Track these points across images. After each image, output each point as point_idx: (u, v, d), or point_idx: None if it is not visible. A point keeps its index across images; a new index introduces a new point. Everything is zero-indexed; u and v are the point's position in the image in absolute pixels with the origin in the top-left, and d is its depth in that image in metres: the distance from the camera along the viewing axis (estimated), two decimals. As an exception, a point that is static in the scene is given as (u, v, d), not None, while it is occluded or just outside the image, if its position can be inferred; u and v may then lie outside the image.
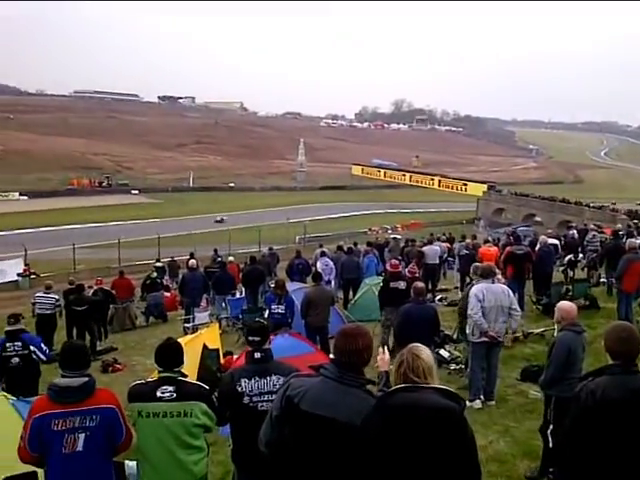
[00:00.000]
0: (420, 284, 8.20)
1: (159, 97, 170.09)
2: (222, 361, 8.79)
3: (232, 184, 77.90)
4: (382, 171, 79.33)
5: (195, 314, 13.41)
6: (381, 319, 10.00)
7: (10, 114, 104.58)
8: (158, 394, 3.62)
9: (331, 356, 3.01)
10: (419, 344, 2.83)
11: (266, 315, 9.75)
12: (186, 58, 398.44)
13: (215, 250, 22.06)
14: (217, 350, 8.66)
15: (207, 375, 7.27)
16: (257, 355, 3.87)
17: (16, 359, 8.11)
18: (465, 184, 62.93)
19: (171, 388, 3.64)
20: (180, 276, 17.00)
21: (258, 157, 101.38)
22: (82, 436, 3.49)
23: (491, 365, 7.12)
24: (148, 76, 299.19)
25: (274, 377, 3.77)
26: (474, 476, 2.61)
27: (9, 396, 6.35)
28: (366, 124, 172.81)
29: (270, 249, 21.48)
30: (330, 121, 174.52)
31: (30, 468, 3.95)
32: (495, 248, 15.35)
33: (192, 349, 7.64)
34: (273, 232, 35.76)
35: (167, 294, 17.21)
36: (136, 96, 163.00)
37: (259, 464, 3.17)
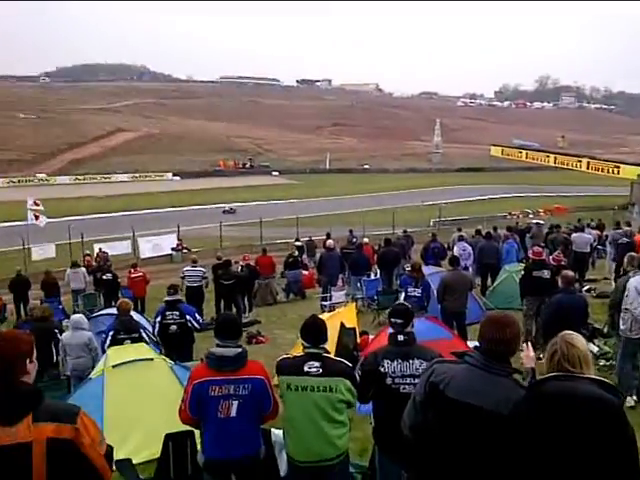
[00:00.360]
0: (570, 273, 7.76)
1: (297, 81, 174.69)
2: (358, 340, 9.00)
3: (367, 166, 78.20)
4: (524, 152, 74.76)
5: (332, 293, 13.80)
6: (522, 308, 9.63)
7: (165, 100, 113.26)
8: (305, 369, 3.78)
9: (475, 344, 2.99)
10: (572, 332, 2.71)
11: (402, 298, 9.79)
12: (322, 42, 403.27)
13: (350, 231, 22.40)
14: (354, 329, 8.86)
15: (344, 352, 7.46)
16: (400, 338, 3.93)
17: (174, 327, 8.88)
18: (617, 166, 57.36)
19: (317, 364, 3.79)
20: (318, 255, 17.56)
21: (393, 138, 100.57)
22: (235, 403, 3.73)
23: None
24: (287, 61, 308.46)
25: (416, 361, 3.81)
26: (632, 475, 2.43)
27: (168, 360, 7.04)
28: (507, 103, 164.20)
29: (404, 232, 21.35)
30: (468, 100, 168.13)
31: (187, 428, 4.31)
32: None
33: (331, 326, 7.89)
34: (407, 214, 35.46)
35: (305, 272, 17.85)
36: (277, 80, 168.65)
37: (401, 445, 3.23)
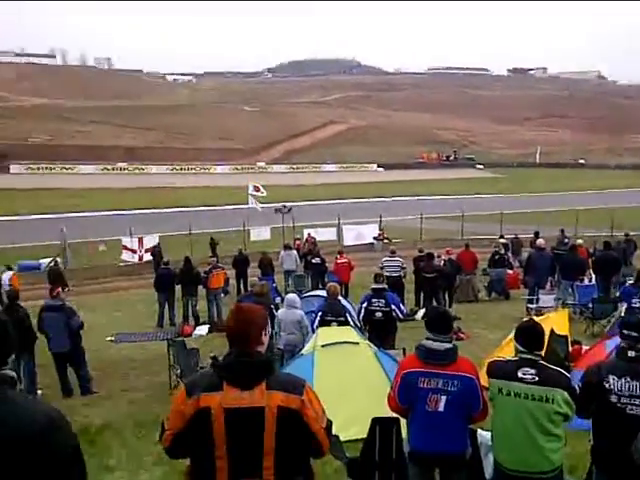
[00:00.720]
0: None
1: (508, 70, 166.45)
2: (570, 349, 8.43)
3: (582, 160, 71.92)
4: None
5: (540, 295, 13.08)
6: None
7: (372, 92, 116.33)
8: (519, 374, 3.60)
9: None
10: None
11: (623, 310, 8.92)
12: (538, 27, 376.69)
13: (562, 230, 20.90)
14: (566, 337, 8.34)
15: (554, 360, 7.04)
16: (631, 353, 3.59)
17: (379, 314, 9.13)
18: None
19: (532, 371, 3.59)
20: (525, 255, 16.70)
21: (614, 131, 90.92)
22: (444, 398, 3.71)
23: None
24: (499, 49, 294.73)
25: None
26: None
27: (372, 345, 7.32)
28: None
29: (626, 235, 19.41)
30: None
31: (390, 414, 4.33)
32: None
33: (540, 331, 7.54)
34: (629, 216, 31.82)
35: (510, 271, 17.09)
36: (486, 70, 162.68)
37: (623, 468, 2.99)
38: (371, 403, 5.54)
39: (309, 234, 21.24)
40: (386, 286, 9.85)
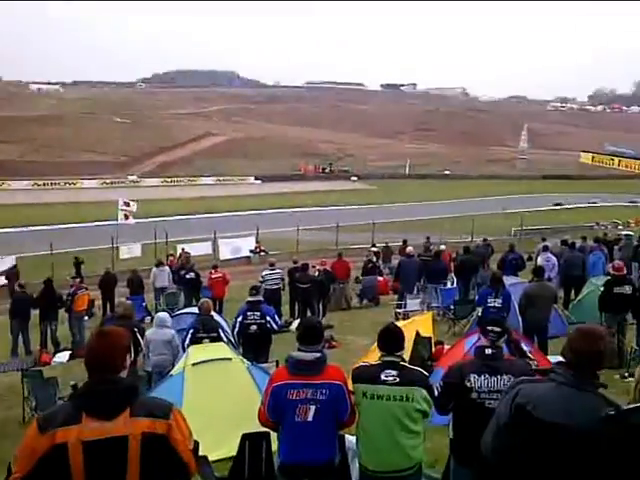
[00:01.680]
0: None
1: (382, 85, 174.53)
2: (433, 350, 8.89)
3: (447, 172, 76.74)
4: (616, 159, 71.16)
5: (407, 300, 13.70)
6: (603, 324, 9.20)
7: (252, 105, 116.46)
8: (382, 377, 3.72)
9: (556, 358, 2.88)
10: None
11: (480, 310, 9.57)
12: (407, 44, 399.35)
13: (427, 238, 22.12)
14: (429, 338, 8.77)
15: (418, 362, 7.40)
16: (488, 351, 3.81)
17: (254, 327, 9.06)
18: None
19: (394, 372, 3.73)
20: (395, 262, 17.44)
21: (477, 144, 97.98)
22: (313, 407, 3.71)
23: None
24: (372, 65, 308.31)
25: (505, 377, 3.68)
26: None
27: (245, 361, 7.24)
28: (601, 107, 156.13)
29: (484, 240, 20.87)
30: (559, 104, 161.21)
31: (263, 429, 4.33)
32: None
33: (406, 334, 7.85)
34: (487, 222, 34.49)
35: (380, 278, 17.78)
36: (361, 85, 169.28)
37: (478, 460, 3.14)
38: (244, 420, 5.45)
39: (183, 249, 20.72)
40: (262, 298, 9.83)
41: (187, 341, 8.41)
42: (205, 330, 8.47)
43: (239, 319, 9.21)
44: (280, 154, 78.46)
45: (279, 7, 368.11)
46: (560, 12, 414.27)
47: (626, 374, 8.10)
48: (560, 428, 2.59)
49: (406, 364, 3.96)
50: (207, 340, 8.28)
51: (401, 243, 20.61)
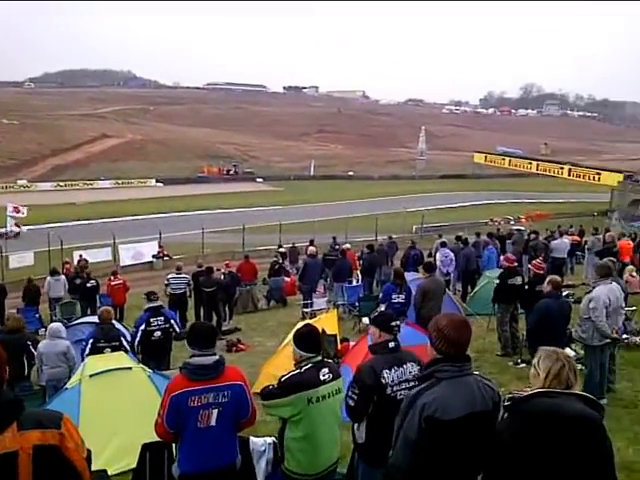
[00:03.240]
0: (557, 278, 7.86)
1: (284, 87, 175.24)
2: (339, 347, 9.01)
3: (351, 173, 78.39)
4: (507, 159, 75.54)
5: (313, 299, 13.81)
6: (497, 315, 9.73)
7: (150, 106, 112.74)
8: (321, 377, 3.73)
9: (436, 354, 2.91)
10: (558, 349, 2.75)
11: (383, 306, 9.79)
12: (307, 48, 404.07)
13: (334, 238, 22.44)
14: (335, 336, 8.89)
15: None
16: (392, 345, 3.87)
17: (158, 333, 8.81)
18: (598, 173, 58.29)
19: (326, 370, 3.79)
20: (300, 262, 17.53)
21: (378, 145, 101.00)
22: (215, 411, 3.66)
23: (605, 363, 6.92)
24: (275, 67, 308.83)
25: (409, 364, 3.79)
26: None
27: (146, 369, 6.98)
28: (491, 110, 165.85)
29: (390, 237, 21.51)
30: (453, 107, 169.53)
31: None
32: (631, 243, 14.32)
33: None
34: (390, 221, 35.60)
35: (287, 279, 17.81)
36: (264, 87, 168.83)
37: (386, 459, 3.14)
38: (147, 430, 5.23)
39: (80, 255, 19.71)
40: (161, 303, 9.53)
41: (87, 351, 7.98)
42: (106, 339, 8.09)
43: (142, 327, 8.89)
44: (182, 156, 76.65)
45: (174, 7, 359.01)
46: (454, 15, 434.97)
47: (519, 361, 8.61)
48: (466, 420, 2.69)
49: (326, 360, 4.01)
50: (109, 350, 7.92)
51: (308, 243, 20.76)
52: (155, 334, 8.83)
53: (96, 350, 7.85)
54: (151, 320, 8.89)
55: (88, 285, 15.31)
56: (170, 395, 3.65)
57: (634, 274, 11.27)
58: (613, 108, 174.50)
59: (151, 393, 6.32)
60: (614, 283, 7.00)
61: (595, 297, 6.69)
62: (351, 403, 3.71)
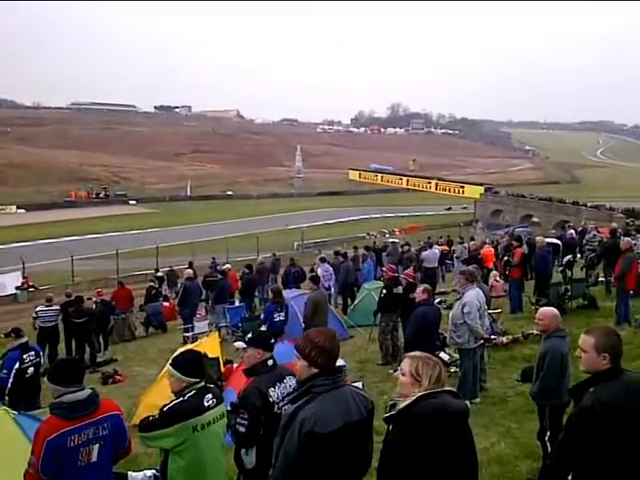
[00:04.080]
0: (428, 287, 8.27)
1: (155, 107, 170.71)
2: (222, 369, 8.76)
3: (230, 192, 77.87)
4: (379, 175, 79.39)
5: (194, 323, 13.40)
6: (381, 324, 9.98)
7: (7, 127, 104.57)
8: (205, 404, 3.62)
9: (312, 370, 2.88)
10: (430, 355, 2.93)
11: (264, 327, 9.69)
12: (179, 68, 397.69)
13: (213, 258, 22.08)
14: (217, 359, 8.62)
15: (207, 383, 7.20)
16: (271, 362, 3.88)
17: (31, 369, 8.24)
18: (462, 186, 63.10)
19: (210, 395, 3.67)
20: (180, 286, 16.96)
21: (255, 164, 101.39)
22: (96, 447, 3.50)
23: (477, 364, 7.35)
24: (144, 86, 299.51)
25: (287, 379, 3.79)
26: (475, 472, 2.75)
27: (10, 411, 6.31)
28: (362, 129, 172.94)
29: (274, 255, 21.51)
30: (327, 127, 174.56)
31: None
32: (492, 249, 15.50)
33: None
34: (271, 239, 35.74)
35: (166, 304, 17.15)
36: (133, 107, 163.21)
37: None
38: (15, 476, 4.74)
39: None
40: (27, 339, 8.73)
41: None
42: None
43: (16, 366, 8.04)
44: (46, 180, 71.82)
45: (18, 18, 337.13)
46: (324, 33, 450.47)
47: (398, 368, 8.87)
48: (343, 430, 2.72)
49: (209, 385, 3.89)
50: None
51: (186, 266, 20.18)
52: (29, 371, 8.19)
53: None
54: (24, 357, 8.21)
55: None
56: (45, 440, 3.34)
57: (498, 279, 12.11)
58: (472, 126, 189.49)
59: (18, 437, 5.70)
60: (478, 288, 7.48)
61: (468, 302, 7.10)
62: (242, 429, 3.60)
